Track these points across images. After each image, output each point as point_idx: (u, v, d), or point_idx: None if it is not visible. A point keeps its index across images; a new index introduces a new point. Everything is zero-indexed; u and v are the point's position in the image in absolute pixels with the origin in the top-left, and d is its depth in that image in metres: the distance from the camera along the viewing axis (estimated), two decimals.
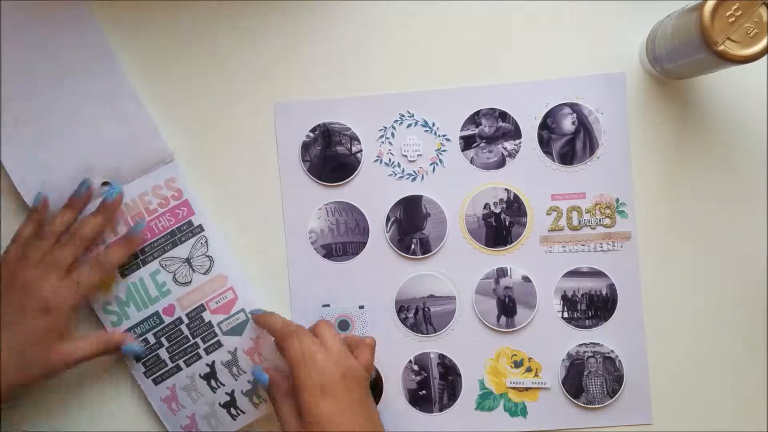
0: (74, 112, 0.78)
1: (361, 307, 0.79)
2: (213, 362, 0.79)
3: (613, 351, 0.77)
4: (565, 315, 0.78)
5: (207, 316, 0.79)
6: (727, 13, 0.64)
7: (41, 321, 0.71)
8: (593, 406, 0.77)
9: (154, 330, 0.79)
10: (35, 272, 0.72)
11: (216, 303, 0.79)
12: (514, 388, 0.78)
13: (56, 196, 0.77)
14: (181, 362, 0.79)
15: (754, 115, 0.77)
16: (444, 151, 0.79)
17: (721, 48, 0.64)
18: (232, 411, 0.79)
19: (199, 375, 0.79)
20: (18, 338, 0.70)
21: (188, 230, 0.79)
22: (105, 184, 0.78)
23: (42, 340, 0.71)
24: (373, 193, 0.79)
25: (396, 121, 0.79)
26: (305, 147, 0.79)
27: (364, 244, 0.79)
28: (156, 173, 0.79)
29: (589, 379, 0.77)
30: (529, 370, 0.78)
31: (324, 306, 0.79)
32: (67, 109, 0.78)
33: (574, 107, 0.78)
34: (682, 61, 0.70)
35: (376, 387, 0.79)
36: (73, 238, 0.74)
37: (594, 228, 0.78)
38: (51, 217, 0.75)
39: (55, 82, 0.78)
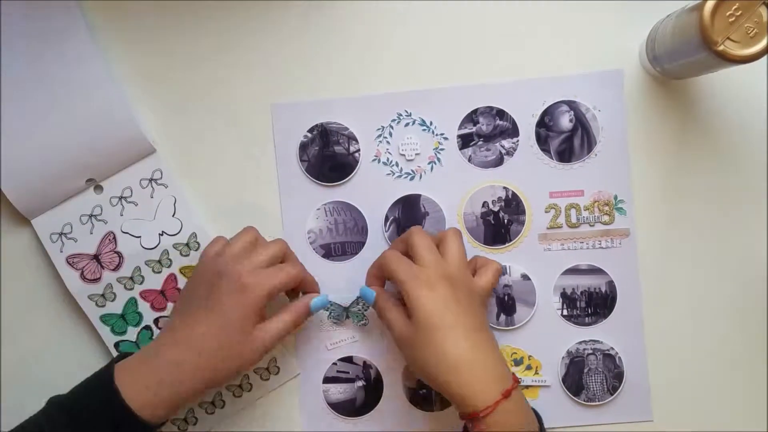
0: (59, 111, 0.76)
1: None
2: None
3: (612, 348, 0.78)
4: (565, 312, 0.78)
5: None
6: (727, 13, 0.63)
7: (236, 301, 0.68)
8: (593, 404, 0.78)
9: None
10: (232, 260, 0.70)
11: None
12: None
13: (39, 195, 0.77)
14: None
15: (754, 115, 0.77)
16: (442, 149, 0.79)
17: (721, 48, 0.64)
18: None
19: None
20: (216, 322, 0.69)
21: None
22: (89, 181, 0.78)
23: (238, 324, 0.69)
24: (371, 192, 0.79)
25: (393, 120, 0.79)
26: (303, 147, 0.79)
27: (363, 243, 0.79)
28: (139, 165, 0.79)
29: (589, 377, 0.78)
30: (529, 368, 0.79)
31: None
32: (50, 106, 0.76)
33: (572, 105, 0.78)
34: (682, 60, 0.70)
35: (375, 386, 0.79)
36: (274, 256, 0.73)
37: (592, 225, 0.78)
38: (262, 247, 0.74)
39: (37, 79, 0.76)
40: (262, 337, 0.70)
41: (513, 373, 0.70)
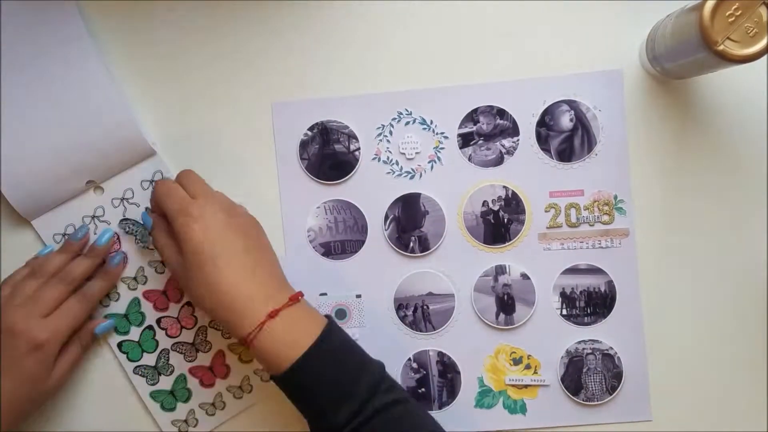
0: (59, 112, 0.76)
1: (359, 296, 0.79)
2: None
3: (612, 348, 0.78)
4: (564, 312, 0.78)
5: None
6: (727, 13, 0.63)
7: (33, 359, 0.71)
8: (592, 403, 0.78)
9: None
10: (22, 312, 0.72)
11: None
12: (513, 386, 0.79)
13: (39, 197, 0.77)
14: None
15: (754, 115, 0.77)
16: (442, 148, 0.79)
17: (721, 48, 0.64)
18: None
19: None
20: (15, 382, 0.71)
21: None
22: (89, 183, 0.78)
23: (36, 377, 0.72)
24: (371, 191, 0.79)
25: (394, 119, 0.79)
26: (303, 145, 0.79)
27: (363, 242, 0.79)
28: (139, 166, 0.79)
29: (588, 376, 0.78)
30: (528, 367, 0.79)
31: (321, 294, 0.79)
32: (50, 107, 0.76)
33: (572, 104, 0.78)
34: (682, 60, 0.70)
35: None
36: (63, 280, 0.75)
37: (592, 225, 0.78)
38: (45, 259, 0.76)
39: (37, 80, 0.76)
40: (60, 372, 0.74)
41: (298, 292, 0.69)
